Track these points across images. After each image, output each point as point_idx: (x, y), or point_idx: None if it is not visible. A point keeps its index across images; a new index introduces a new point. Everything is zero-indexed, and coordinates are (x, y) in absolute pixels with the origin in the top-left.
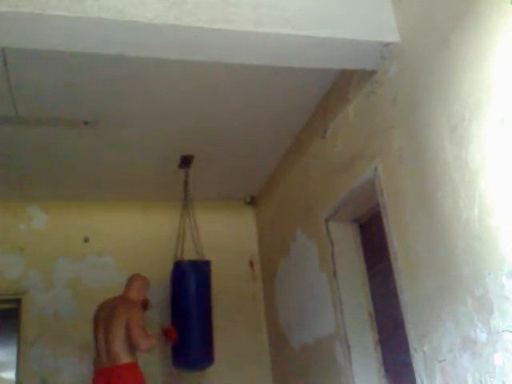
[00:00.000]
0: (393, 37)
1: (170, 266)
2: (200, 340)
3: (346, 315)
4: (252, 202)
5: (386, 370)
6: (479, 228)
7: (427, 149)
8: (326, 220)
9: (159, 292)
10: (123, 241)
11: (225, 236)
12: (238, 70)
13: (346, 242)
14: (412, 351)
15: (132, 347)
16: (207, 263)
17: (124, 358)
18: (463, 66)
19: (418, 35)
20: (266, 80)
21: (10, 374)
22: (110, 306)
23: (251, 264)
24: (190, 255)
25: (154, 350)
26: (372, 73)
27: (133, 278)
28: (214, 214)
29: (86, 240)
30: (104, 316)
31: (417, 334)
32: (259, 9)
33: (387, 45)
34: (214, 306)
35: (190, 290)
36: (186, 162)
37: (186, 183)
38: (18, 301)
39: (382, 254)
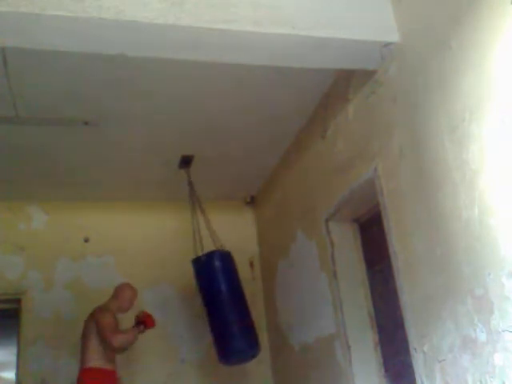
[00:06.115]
0: (393, 37)
1: (170, 265)
2: (244, 327)
3: (346, 315)
4: (252, 201)
5: (386, 370)
6: (479, 228)
7: (427, 149)
8: (326, 220)
9: (159, 291)
10: (123, 241)
11: (225, 236)
12: (238, 70)
13: (346, 241)
14: (412, 351)
15: (99, 353)
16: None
17: (85, 364)
18: (463, 65)
19: (418, 35)
20: (265, 80)
21: (10, 374)
22: (91, 313)
23: (251, 264)
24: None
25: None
26: (372, 73)
27: (117, 287)
28: (213, 214)
29: (86, 240)
30: (84, 322)
31: (417, 334)
32: (259, 9)
33: (387, 45)
34: None
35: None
36: (186, 161)
37: (190, 183)
38: (18, 301)
39: (381, 254)
